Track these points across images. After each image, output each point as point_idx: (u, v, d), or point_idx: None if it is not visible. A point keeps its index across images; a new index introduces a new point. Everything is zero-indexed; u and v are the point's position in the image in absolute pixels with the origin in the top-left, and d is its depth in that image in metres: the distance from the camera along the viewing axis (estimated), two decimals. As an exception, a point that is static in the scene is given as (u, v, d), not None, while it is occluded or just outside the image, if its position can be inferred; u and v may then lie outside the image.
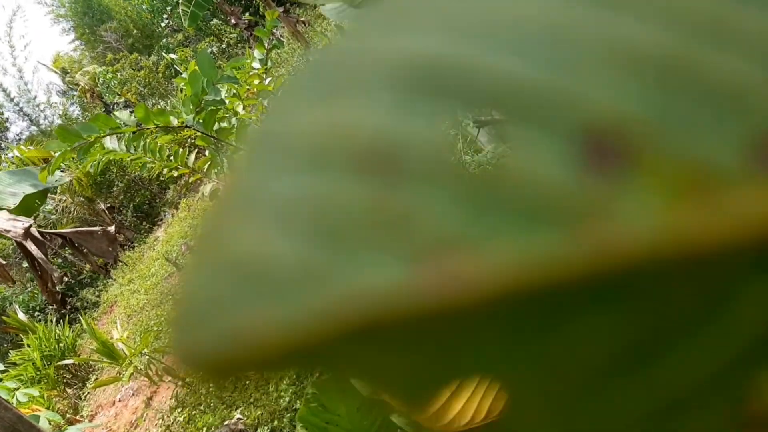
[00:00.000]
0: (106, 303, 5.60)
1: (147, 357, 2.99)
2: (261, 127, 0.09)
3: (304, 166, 0.08)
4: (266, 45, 2.02)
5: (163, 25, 11.71)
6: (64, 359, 4.07)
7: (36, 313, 6.01)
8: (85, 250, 6.17)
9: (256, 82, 1.98)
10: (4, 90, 13.46)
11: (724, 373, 0.09)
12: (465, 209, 0.08)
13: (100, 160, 1.90)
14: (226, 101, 1.74)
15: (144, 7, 11.52)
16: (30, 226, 5.15)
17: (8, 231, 4.93)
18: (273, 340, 0.08)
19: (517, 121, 0.08)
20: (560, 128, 0.08)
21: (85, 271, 6.47)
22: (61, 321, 5.21)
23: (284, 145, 0.09)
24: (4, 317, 5.12)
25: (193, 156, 2.07)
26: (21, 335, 4.74)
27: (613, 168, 0.08)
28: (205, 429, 2.68)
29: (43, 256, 5.41)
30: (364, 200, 0.08)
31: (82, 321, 3.69)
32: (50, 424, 2.76)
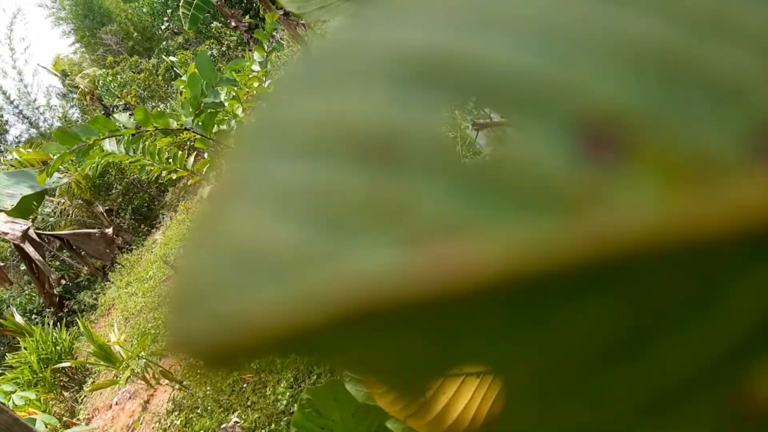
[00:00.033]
0: (103, 306, 5.58)
1: (144, 360, 2.97)
2: (260, 114, 0.09)
3: (303, 152, 0.08)
4: (266, 48, 2.03)
5: (163, 27, 11.73)
6: (61, 362, 4.05)
7: (33, 316, 5.99)
8: (83, 252, 6.15)
9: (256, 84, 1.99)
10: (4, 93, 13.45)
11: (720, 363, 0.09)
12: (461, 196, 0.08)
13: (98, 162, 1.89)
14: (226, 104, 1.74)
15: (144, 10, 11.54)
16: (28, 228, 5.14)
17: (6, 233, 4.91)
18: (269, 324, 0.08)
19: (515, 110, 0.08)
20: (558, 118, 0.08)
21: (82, 274, 6.45)
22: (59, 324, 5.18)
23: (283, 132, 0.09)
24: (1, 320, 5.10)
25: (192, 158, 2.07)
26: (18, 338, 4.71)
27: (610, 157, 0.08)
28: (202, 432, 2.67)
29: (40, 258, 5.40)
30: (362, 186, 0.08)
31: (80, 324, 3.67)
32: (47, 427, 2.74)
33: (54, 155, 1.55)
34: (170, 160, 2.01)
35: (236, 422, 2.52)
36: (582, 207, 0.08)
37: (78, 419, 3.82)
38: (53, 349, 4.40)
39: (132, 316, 4.61)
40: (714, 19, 0.08)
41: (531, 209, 0.08)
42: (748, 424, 0.10)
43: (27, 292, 6.51)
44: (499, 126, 0.08)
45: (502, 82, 0.08)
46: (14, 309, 5.75)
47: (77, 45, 14.07)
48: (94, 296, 5.97)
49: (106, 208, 7.15)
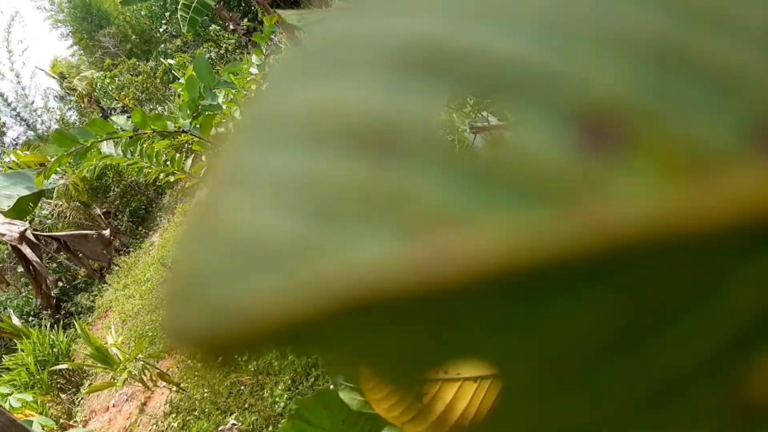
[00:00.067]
0: (100, 308, 5.56)
1: (141, 362, 2.96)
2: (257, 104, 0.09)
3: (300, 142, 0.08)
4: (264, 51, 2.03)
5: (161, 30, 11.72)
6: (58, 364, 4.03)
7: (30, 318, 5.96)
8: (80, 254, 6.13)
9: (254, 87, 1.99)
10: (2, 95, 13.42)
11: (719, 356, 0.09)
12: (459, 186, 0.08)
13: (96, 164, 1.89)
14: (224, 106, 1.74)
15: (143, 12, 11.54)
16: (26, 229, 5.12)
17: (4, 235, 4.90)
18: (266, 315, 0.08)
19: (514, 100, 0.08)
20: (557, 108, 0.08)
21: (80, 276, 6.42)
22: (56, 326, 5.16)
23: (280, 121, 0.09)
24: (-3, 322, 5.07)
25: (189, 161, 2.07)
26: (15, 340, 4.69)
27: (609, 147, 0.08)
28: (199, 435, 2.66)
29: (37, 260, 5.38)
30: (359, 176, 0.08)
31: (77, 326, 3.66)
32: (43, 429, 2.72)
33: (51, 157, 1.55)
34: (168, 163, 2.01)
35: (234, 424, 2.51)
36: (580, 197, 0.08)
37: (75, 421, 3.80)
38: (50, 351, 4.38)
39: (129, 319, 4.59)
40: (713, 10, 0.08)
41: (529, 200, 0.08)
42: (748, 417, 0.10)
43: (24, 294, 6.48)
44: (496, 129, 0.08)
45: (500, 72, 0.08)
46: (11, 311, 5.73)
47: (75, 47, 14.05)
48: (91, 298, 5.95)
49: (104, 210, 7.12)
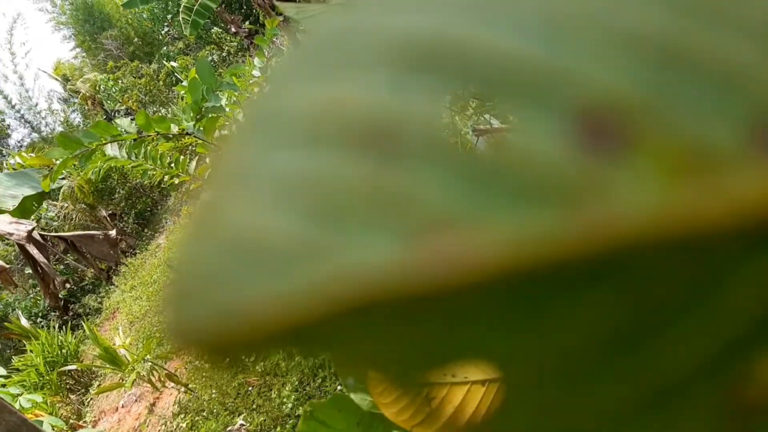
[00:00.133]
0: (108, 309, 5.59)
1: (150, 363, 2.97)
2: (258, 104, 0.09)
3: (301, 142, 0.08)
4: (266, 53, 2.03)
5: (163, 32, 11.74)
6: (67, 365, 4.06)
7: (39, 320, 6.00)
8: (87, 254, 6.16)
9: (256, 90, 1.98)
10: (6, 97, 13.48)
11: (719, 357, 0.09)
12: (461, 187, 0.08)
13: (101, 167, 1.90)
14: (227, 108, 1.74)
15: (144, 15, 11.55)
16: (33, 229, 5.15)
17: (11, 234, 4.92)
18: (269, 316, 0.08)
19: (515, 99, 0.08)
20: (558, 107, 0.08)
21: (87, 278, 6.46)
22: (64, 327, 5.19)
23: (281, 121, 0.09)
24: (6, 323, 5.11)
25: (194, 163, 2.07)
26: (24, 341, 4.72)
27: (610, 147, 0.08)
28: (207, 435, 2.67)
29: (45, 261, 5.41)
30: (361, 177, 0.08)
31: (85, 327, 3.68)
32: (53, 429, 2.74)
33: (57, 160, 1.56)
34: (172, 165, 2.01)
35: (242, 425, 2.52)
36: (581, 198, 0.08)
37: (84, 422, 3.83)
38: (59, 352, 4.40)
39: (137, 320, 4.61)
40: (715, 8, 0.08)
41: (530, 200, 0.08)
42: (748, 417, 0.10)
43: (32, 295, 6.52)
44: (499, 131, 0.08)
45: (501, 70, 0.08)
46: (20, 312, 5.77)
47: (78, 50, 14.09)
48: (99, 300, 5.98)
49: (110, 212, 7.15)
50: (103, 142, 1.59)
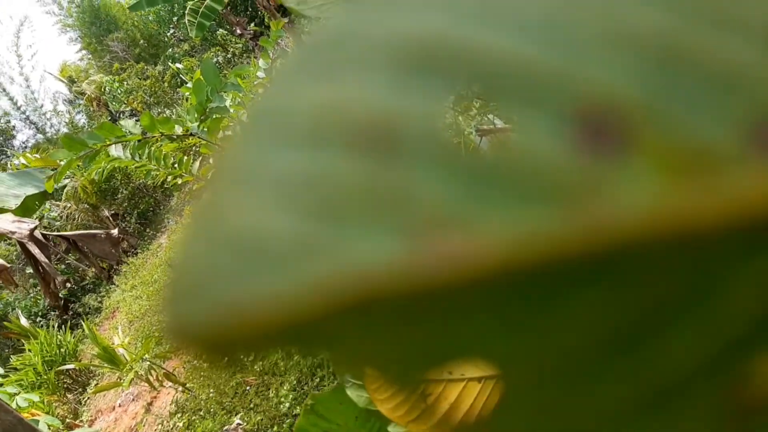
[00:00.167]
0: (108, 309, 5.59)
1: (148, 362, 2.97)
2: (260, 103, 0.09)
3: (302, 142, 0.08)
4: (271, 55, 2.03)
5: (169, 34, 11.80)
6: (65, 364, 4.06)
7: (38, 319, 6.00)
8: (89, 253, 6.17)
9: (261, 91, 1.99)
10: (11, 99, 13.55)
11: (719, 356, 0.09)
12: (461, 186, 0.08)
13: (104, 167, 1.90)
14: (231, 109, 1.75)
15: (150, 17, 11.62)
16: (35, 227, 5.16)
17: (14, 233, 4.94)
18: (268, 314, 0.08)
19: (514, 99, 0.08)
20: (557, 107, 0.08)
21: (88, 277, 6.46)
22: (63, 326, 5.19)
23: (282, 121, 0.09)
24: (6, 323, 5.11)
25: (197, 163, 2.08)
26: (23, 340, 4.72)
27: (609, 147, 0.08)
28: (204, 436, 2.66)
29: (46, 260, 5.42)
30: (361, 176, 0.08)
31: (84, 326, 3.68)
32: (49, 428, 2.74)
33: (61, 161, 1.57)
34: (176, 165, 2.02)
35: (239, 424, 2.51)
36: (580, 197, 0.08)
37: (81, 421, 3.82)
38: (57, 351, 4.40)
39: (136, 319, 4.61)
40: (714, 9, 0.08)
41: (530, 199, 0.08)
42: (748, 417, 0.10)
43: (32, 294, 6.53)
44: (502, 132, 0.08)
45: (501, 70, 0.08)
46: (19, 311, 5.77)
47: (84, 52, 14.17)
48: (99, 299, 5.98)
49: (112, 212, 7.17)
50: (108, 143, 1.60)
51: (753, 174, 0.08)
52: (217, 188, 0.09)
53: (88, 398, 4.11)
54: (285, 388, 2.58)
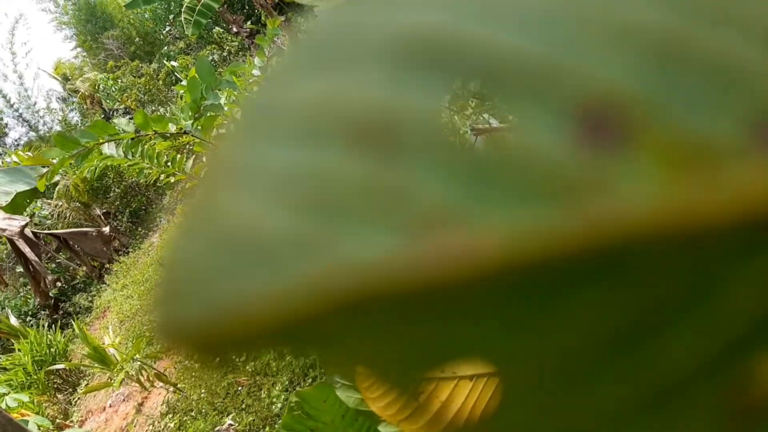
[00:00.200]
0: (99, 308, 5.55)
1: (139, 363, 2.95)
2: (256, 99, 0.09)
3: (299, 138, 0.08)
4: (267, 53, 2.03)
5: (165, 32, 11.77)
6: (55, 364, 4.02)
7: (28, 318, 5.95)
8: (80, 251, 6.13)
9: (256, 89, 1.98)
10: (4, 96, 13.45)
11: (719, 356, 0.09)
12: (460, 183, 0.08)
13: (97, 165, 1.89)
14: (225, 107, 1.75)
15: (147, 15, 11.58)
16: (26, 224, 5.12)
17: (4, 230, 4.89)
18: (262, 313, 0.07)
19: (514, 95, 0.08)
20: (558, 102, 0.08)
21: (78, 277, 6.42)
22: (53, 326, 5.15)
23: (279, 117, 0.09)
24: (-5, 322, 5.06)
25: (191, 162, 2.07)
26: (12, 340, 4.68)
27: (610, 143, 0.08)
28: (196, 437, 2.65)
29: (36, 258, 5.37)
30: (359, 173, 0.08)
31: (74, 326, 3.65)
32: (39, 429, 2.71)
33: (53, 159, 1.55)
34: (169, 164, 2.01)
35: (230, 425, 2.50)
36: (581, 194, 0.08)
37: (71, 421, 3.79)
38: (48, 351, 4.37)
39: (127, 319, 4.58)
40: (715, 5, 0.08)
41: (530, 196, 0.08)
42: (748, 417, 0.09)
43: (22, 294, 6.47)
44: (497, 131, 0.08)
45: (501, 66, 0.08)
46: (9, 311, 5.71)
47: (79, 49, 14.09)
48: (90, 299, 5.94)
49: (104, 210, 7.12)
50: (101, 141, 1.59)
51: (753, 168, 0.08)
52: (211, 184, 0.08)
53: (79, 398, 4.08)
54: (277, 388, 2.57)
